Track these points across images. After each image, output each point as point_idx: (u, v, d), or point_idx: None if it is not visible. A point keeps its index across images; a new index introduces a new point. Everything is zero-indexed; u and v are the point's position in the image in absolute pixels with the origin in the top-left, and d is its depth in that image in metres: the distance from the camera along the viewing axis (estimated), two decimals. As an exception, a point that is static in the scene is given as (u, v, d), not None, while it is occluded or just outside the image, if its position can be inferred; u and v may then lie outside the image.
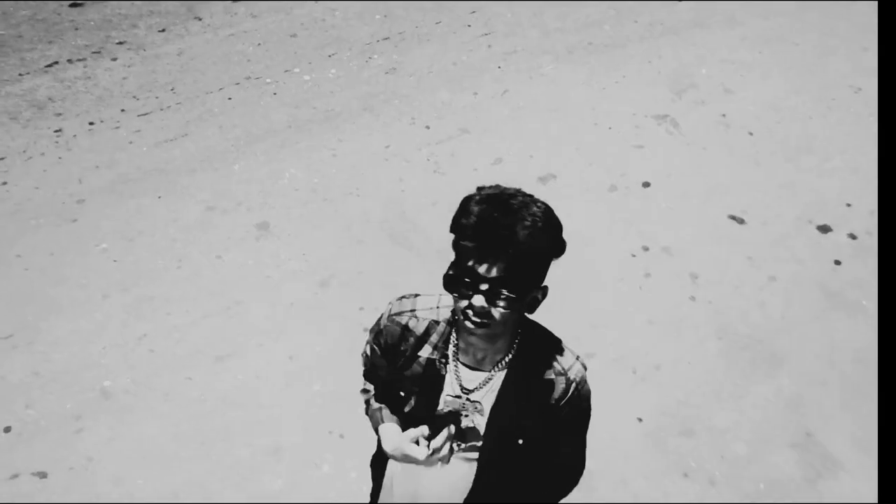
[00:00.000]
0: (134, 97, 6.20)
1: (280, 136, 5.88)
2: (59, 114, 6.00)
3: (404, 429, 2.31)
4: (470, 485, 2.41)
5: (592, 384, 4.29)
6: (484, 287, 1.95)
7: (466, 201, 1.98)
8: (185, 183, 5.45)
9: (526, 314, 2.15)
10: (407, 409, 2.33)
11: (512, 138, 5.93)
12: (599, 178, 5.59)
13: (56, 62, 6.53)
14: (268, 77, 6.49)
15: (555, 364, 2.23)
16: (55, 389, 4.18)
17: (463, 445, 2.33)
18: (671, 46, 7.02)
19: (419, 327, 2.24)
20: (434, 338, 2.23)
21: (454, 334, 2.24)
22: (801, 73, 6.74)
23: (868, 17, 7.34)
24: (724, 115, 6.24)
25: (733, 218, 5.35)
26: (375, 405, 2.45)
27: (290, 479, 3.82)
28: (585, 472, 3.83)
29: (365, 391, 2.55)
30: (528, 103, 6.32)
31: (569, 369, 2.24)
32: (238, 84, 6.40)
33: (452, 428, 2.25)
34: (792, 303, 4.82)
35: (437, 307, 2.26)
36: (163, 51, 6.74)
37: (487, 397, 2.25)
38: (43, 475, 3.81)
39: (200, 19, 7.14)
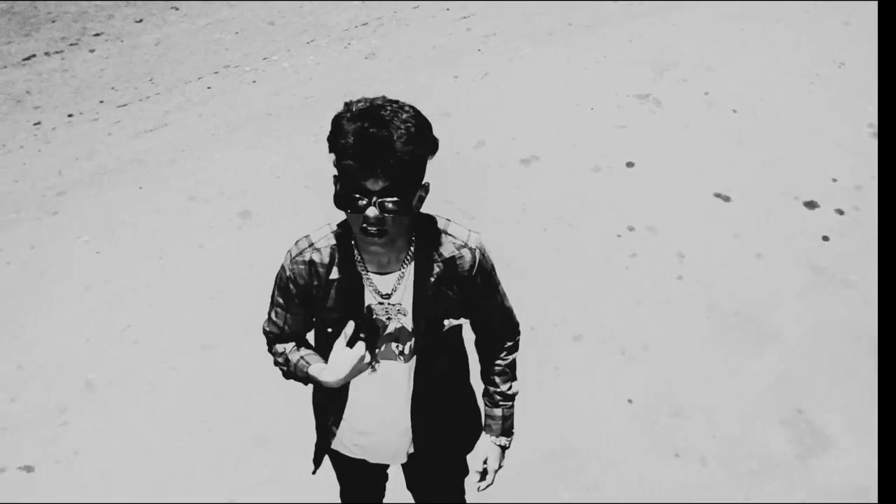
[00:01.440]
0: (112, 88, 6.14)
1: (260, 124, 5.83)
2: (38, 107, 5.94)
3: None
4: (412, 383, 2.47)
5: (581, 365, 4.29)
6: (374, 199, 2.03)
7: (338, 120, 2.06)
8: (166, 173, 5.40)
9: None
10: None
11: (493, 121, 5.89)
12: (583, 159, 5.56)
13: (33, 55, 6.47)
14: (246, 65, 6.44)
15: (453, 241, 2.33)
16: (40, 383, 4.15)
17: (400, 348, 2.40)
18: (651, 25, 6.98)
19: (323, 257, 2.30)
20: (339, 259, 2.30)
21: (356, 249, 2.30)
22: (783, 48, 6.72)
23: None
24: (706, 93, 6.21)
25: (718, 196, 5.33)
26: (295, 359, 2.50)
27: (277, 470, 3.78)
28: (575, 454, 3.86)
29: (278, 359, 2.60)
30: (509, 85, 6.28)
31: (468, 240, 2.35)
32: (217, 73, 6.34)
33: (351, 325, 2.28)
34: (780, 280, 4.81)
35: (332, 233, 2.32)
36: (140, 41, 6.68)
37: (405, 296, 2.33)
38: (30, 469, 3.78)
39: (177, 9, 7.07)
